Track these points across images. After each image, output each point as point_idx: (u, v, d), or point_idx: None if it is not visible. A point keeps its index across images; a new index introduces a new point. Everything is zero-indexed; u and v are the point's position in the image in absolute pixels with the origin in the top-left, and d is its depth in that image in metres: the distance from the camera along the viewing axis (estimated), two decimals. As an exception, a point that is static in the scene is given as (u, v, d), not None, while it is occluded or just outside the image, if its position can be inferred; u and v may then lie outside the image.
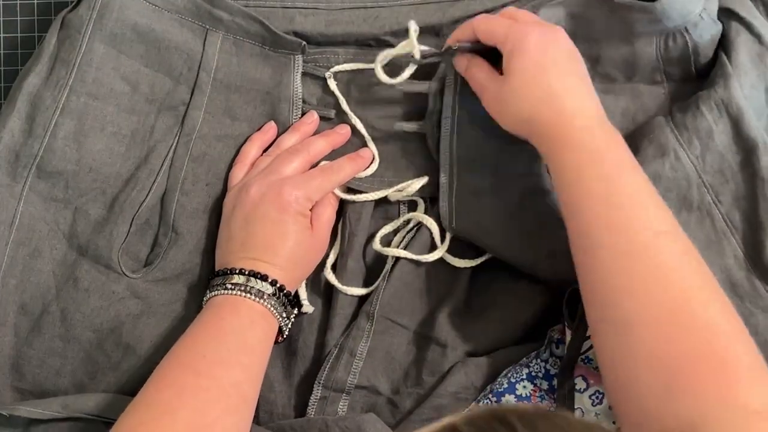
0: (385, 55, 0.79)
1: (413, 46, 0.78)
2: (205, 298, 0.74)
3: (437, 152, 0.79)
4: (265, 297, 0.73)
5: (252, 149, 0.80)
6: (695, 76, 0.79)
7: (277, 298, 0.73)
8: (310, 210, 0.78)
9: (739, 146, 0.76)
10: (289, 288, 0.75)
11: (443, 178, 0.78)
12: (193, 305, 0.78)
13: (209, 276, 0.77)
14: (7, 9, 0.84)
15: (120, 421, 0.66)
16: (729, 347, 0.62)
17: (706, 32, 0.77)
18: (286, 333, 0.76)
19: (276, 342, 0.75)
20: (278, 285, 0.74)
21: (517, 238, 0.77)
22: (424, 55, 0.78)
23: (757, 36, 0.77)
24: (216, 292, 0.73)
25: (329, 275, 0.79)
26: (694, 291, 0.64)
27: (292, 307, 0.76)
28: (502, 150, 0.78)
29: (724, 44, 0.77)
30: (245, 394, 0.69)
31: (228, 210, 0.78)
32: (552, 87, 0.71)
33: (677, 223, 0.67)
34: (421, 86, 0.80)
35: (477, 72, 0.76)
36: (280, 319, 0.74)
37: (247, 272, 0.73)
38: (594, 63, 0.80)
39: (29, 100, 0.78)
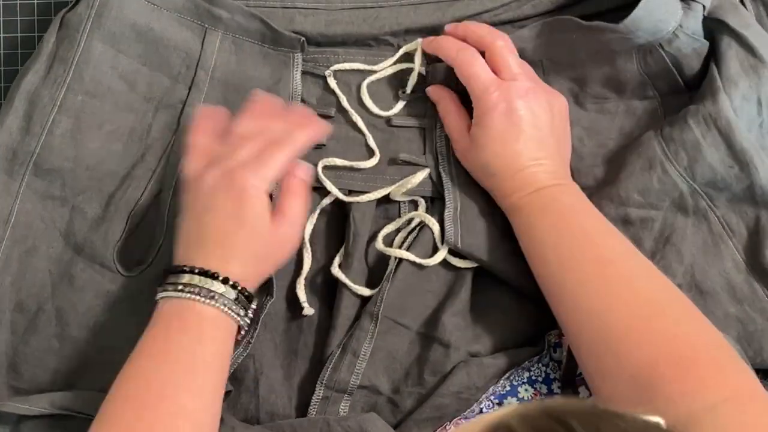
0: (388, 64, 0.81)
1: (412, 78, 0.81)
2: (157, 296, 0.71)
3: (441, 184, 0.79)
4: (216, 298, 0.69)
5: (202, 138, 0.74)
6: (685, 88, 0.79)
7: (231, 296, 0.70)
8: (278, 201, 0.74)
9: (733, 159, 0.76)
10: (249, 283, 0.71)
11: (448, 201, 0.79)
12: None
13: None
14: (7, 9, 0.85)
15: None
16: (691, 348, 0.65)
17: (685, 47, 0.77)
18: (245, 330, 0.72)
19: (236, 341, 0.72)
20: (231, 282, 0.70)
21: (519, 259, 0.77)
22: (413, 90, 0.81)
23: (749, 48, 0.76)
24: (166, 293, 0.70)
25: (339, 274, 0.78)
26: (650, 304, 0.68)
27: (250, 302, 0.72)
28: None
29: (715, 57, 0.77)
30: (197, 420, 0.66)
31: (185, 204, 0.74)
32: (511, 164, 0.75)
33: (631, 249, 0.72)
34: (414, 122, 0.81)
35: (449, 120, 0.80)
36: (238, 318, 0.71)
37: (197, 271, 0.70)
38: (582, 85, 0.81)
39: (27, 98, 0.78)
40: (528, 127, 0.75)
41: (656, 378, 0.63)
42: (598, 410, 0.46)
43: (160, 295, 0.70)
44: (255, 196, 0.71)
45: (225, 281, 0.70)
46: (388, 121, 0.81)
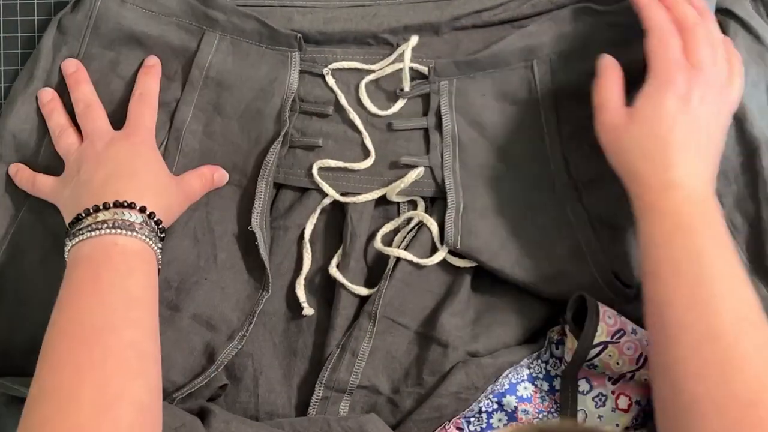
0: (372, 77, 0.81)
1: (405, 77, 0.80)
2: (68, 247, 0.69)
3: (443, 182, 0.79)
4: (137, 228, 0.68)
5: (60, 118, 0.78)
6: None
7: (150, 227, 0.70)
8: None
9: (742, 147, 0.76)
10: (162, 218, 0.72)
11: (450, 202, 0.78)
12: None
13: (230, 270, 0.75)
14: (7, 9, 0.85)
15: (24, 418, 0.61)
16: None
17: None
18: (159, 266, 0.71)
19: None
20: (148, 212, 0.70)
21: (521, 258, 0.77)
22: (412, 87, 0.81)
23: (755, 35, 0.77)
24: (81, 237, 0.68)
25: (336, 274, 0.78)
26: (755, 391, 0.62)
27: (162, 237, 0.72)
28: (507, 169, 0.79)
29: None
30: (144, 351, 0.65)
31: (72, 172, 0.75)
32: (669, 152, 0.69)
33: (760, 308, 0.65)
34: (415, 123, 0.81)
35: (610, 88, 0.74)
36: (157, 250, 0.70)
37: (112, 204, 0.69)
38: (591, 76, 0.79)
39: (30, 101, 0.79)
40: (701, 123, 0.70)
41: None
42: (595, 431, 0.45)
43: (73, 242, 0.69)
44: (150, 140, 0.76)
45: (142, 210, 0.70)
46: (388, 125, 0.81)
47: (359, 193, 0.80)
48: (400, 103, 0.81)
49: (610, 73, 0.74)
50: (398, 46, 0.81)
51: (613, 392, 0.74)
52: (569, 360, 0.74)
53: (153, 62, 0.80)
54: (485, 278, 0.79)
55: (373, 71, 0.81)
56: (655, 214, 0.68)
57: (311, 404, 0.77)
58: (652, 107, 0.70)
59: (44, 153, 0.79)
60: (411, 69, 0.80)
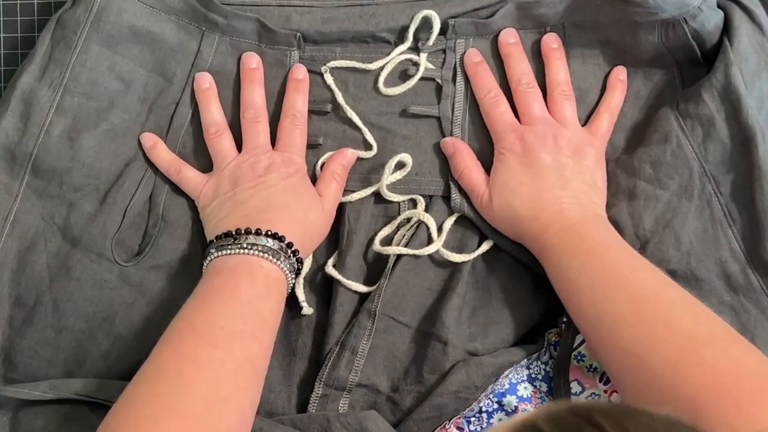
0: (384, 62, 0.81)
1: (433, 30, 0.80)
2: (210, 258, 0.73)
3: (451, 134, 0.80)
4: (282, 259, 0.72)
5: (217, 115, 0.80)
6: (703, 61, 0.80)
7: (290, 261, 0.73)
8: (317, 183, 0.80)
9: (739, 135, 0.76)
10: (302, 254, 0.75)
11: None
12: (186, 292, 0.77)
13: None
14: (7, 9, 0.85)
15: (133, 389, 0.64)
16: (733, 378, 0.63)
17: (708, 22, 0.77)
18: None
19: None
20: (293, 248, 0.73)
21: None
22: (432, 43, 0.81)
23: (758, 25, 0.77)
24: (230, 250, 0.72)
25: (332, 271, 0.79)
26: (689, 339, 0.66)
27: (299, 273, 0.76)
28: None
29: (728, 30, 0.77)
30: (258, 367, 0.68)
31: (225, 185, 0.78)
32: (527, 203, 0.76)
33: (665, 281, 0.70)
34: (430, 110, 0.81)
35: (467, 173, 0.79)
36: (293, 283, 0.74)
37: (263, 232, 0.73)
38: (604, 45, 0.81)
39: (23, 99, 0.79)
40: (546, 168, 0.76)
41: (699, 410, 0.61)
42: (624, 407, 0.47)
43: (218, 254, 0.73)
44: (302, 169, 0.79)
45: (289, 246, 0.73)
46: (402, 111, 0.81)
47: (354, 191, 0.80)
48: (413, 80, 0.81)
49: (459, 157, 0.79)
50: (396, 44, 0.81)
51: (605, 391, 0.74)
52: (557, 357, 0.74)
53: (302, 75, 0.81)
54: (484, 276, 0.80)
55: (371, 70, 0.81)
56: (547, 252, 0.75)
57: (311, 401, 0.77)
58: (501, 176, 0.78)
59: (40, 150, 0.78)
60: (406, 69, 0.81)
